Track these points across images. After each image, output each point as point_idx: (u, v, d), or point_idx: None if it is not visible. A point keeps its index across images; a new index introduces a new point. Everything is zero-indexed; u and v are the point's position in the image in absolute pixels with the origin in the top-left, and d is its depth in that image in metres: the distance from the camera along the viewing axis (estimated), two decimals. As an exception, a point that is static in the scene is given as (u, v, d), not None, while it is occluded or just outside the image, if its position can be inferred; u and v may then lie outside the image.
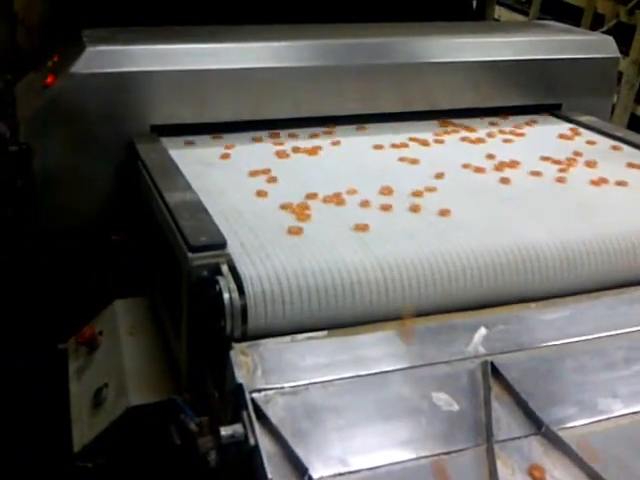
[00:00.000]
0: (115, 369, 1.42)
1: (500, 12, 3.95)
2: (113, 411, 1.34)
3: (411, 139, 1.79)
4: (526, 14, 3.84)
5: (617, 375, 1.19)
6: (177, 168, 1.50)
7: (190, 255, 1.14)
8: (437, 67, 1.88)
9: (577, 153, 1.75)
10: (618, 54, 2.06)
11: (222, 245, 1.16)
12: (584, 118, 1.98)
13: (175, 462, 1.18)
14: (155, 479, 1.36)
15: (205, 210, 1.29)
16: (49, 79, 1.64)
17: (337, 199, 1.41)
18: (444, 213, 1.38)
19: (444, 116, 1.93)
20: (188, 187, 1.39)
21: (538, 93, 2.00)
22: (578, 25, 3.27)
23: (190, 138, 1.71)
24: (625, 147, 1.83)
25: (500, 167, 1.64)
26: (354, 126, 1.85)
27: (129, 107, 1.65)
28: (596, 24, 3.30)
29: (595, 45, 2.05)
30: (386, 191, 1.47)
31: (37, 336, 1.67)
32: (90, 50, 1.61)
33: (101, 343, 1.52)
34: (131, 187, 1.63)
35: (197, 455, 1.06)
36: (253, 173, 1.53)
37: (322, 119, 1.83)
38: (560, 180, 1.59)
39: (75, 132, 1.62)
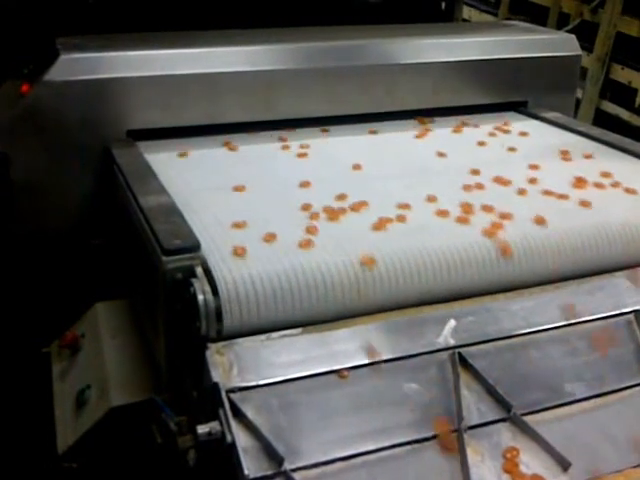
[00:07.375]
0: (97, 371, 1.44)
1: (470, 13, 4.02)
2: (96, 412, 1.36)
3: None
4: (495, 15, 3.90)
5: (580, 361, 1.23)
6: (152, 172, 1.52)
7: (164, 258, 1.15)
8: (405, 68, 1.91)
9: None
10: (580, 52, 2.10)
11: (196, 247, 1.18)
12: (549, 114, 2.02)
13: (158, 461, 1.21)
14: (139, 478, 1.38)
15: (179, 213, 1.31)
16: (24, 87, 1.65)
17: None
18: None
19: (411, 116, 1.96)
20: (163, 190, 1.41)
21: (505, 91, 2.05)
22: (545, 24, 3.34)
23: (166, 142, 1.72)
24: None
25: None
26: (319, 128, 1.87)
27: (104, 113, 1.67)
28: (561, 23, 3.37)
29: (558, 43, 2.09)
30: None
31: (21, 340, 1.69)
32: (64, 58, 1.62)
33: (83, 346, 1.54)
34: (108, 192, 1.65)
35: (178, 454, 1.09)
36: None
37: (290, 121, 1.84)
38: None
39: (51, 139, 1.63)
